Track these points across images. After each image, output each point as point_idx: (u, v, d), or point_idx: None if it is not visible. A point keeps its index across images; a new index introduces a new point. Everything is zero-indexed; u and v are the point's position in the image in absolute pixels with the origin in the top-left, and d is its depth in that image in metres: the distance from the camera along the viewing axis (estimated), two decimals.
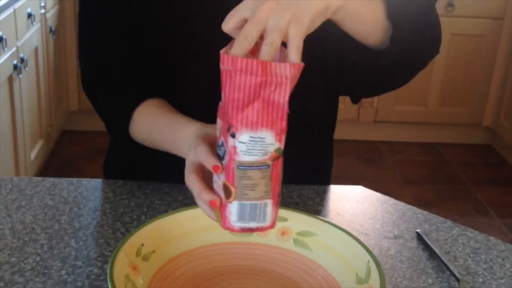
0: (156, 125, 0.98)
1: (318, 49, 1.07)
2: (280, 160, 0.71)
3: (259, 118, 0.68)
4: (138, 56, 1.06)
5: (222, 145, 0.71)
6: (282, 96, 0.68)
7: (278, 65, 0.67)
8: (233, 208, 0.72)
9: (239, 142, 0.69)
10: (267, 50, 0.68)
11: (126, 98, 1.02)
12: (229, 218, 0.73)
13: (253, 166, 0.70)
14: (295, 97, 0.92)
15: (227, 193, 0.72)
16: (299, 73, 0.68)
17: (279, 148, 0.70)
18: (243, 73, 0.66)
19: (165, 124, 0.95)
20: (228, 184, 0.71)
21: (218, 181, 0.73)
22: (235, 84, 0.67)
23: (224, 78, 0.68)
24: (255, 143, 0.69)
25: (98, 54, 1.07)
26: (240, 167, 0.70)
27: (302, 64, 0.69)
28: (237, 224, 0.73)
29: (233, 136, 0.69)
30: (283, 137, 0.70)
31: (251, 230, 0.74)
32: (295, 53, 0.69)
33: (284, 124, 0.69)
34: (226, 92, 0.68)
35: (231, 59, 0.66)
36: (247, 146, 0.69)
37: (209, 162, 0.74)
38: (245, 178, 0.70)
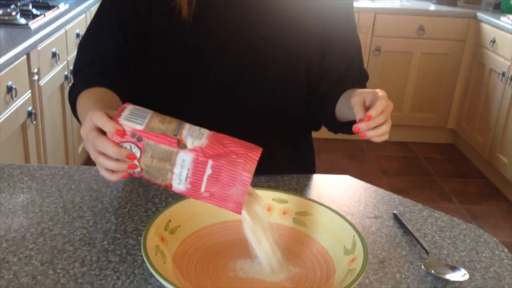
0: (83, 103, 0.92)
1: (303, 53, 1.06)
2: None
3: None
4: (125, 59, 1.02)
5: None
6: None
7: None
8: None
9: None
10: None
11: (82, 83, 0.97)
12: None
13: None
14: (282, 95, 0.90)
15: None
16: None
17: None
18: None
19: (85, 104, 0.90)
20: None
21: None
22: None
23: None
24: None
25: (90, 49, 1.04)
26: None
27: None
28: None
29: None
30: None
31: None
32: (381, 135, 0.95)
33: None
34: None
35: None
36: None
37: (110, 126, 0.70)
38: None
